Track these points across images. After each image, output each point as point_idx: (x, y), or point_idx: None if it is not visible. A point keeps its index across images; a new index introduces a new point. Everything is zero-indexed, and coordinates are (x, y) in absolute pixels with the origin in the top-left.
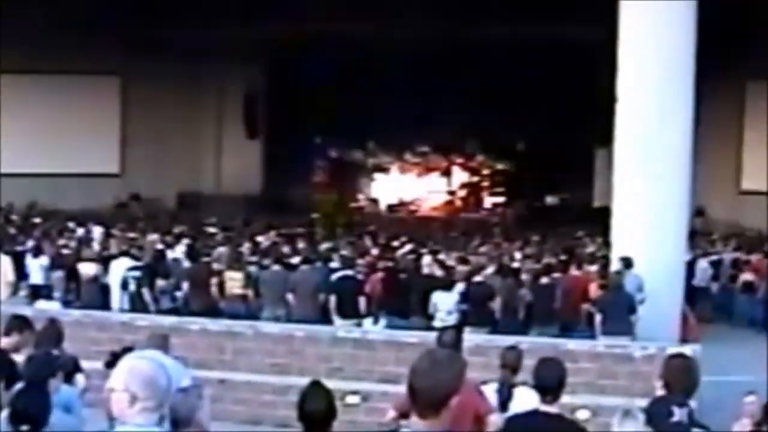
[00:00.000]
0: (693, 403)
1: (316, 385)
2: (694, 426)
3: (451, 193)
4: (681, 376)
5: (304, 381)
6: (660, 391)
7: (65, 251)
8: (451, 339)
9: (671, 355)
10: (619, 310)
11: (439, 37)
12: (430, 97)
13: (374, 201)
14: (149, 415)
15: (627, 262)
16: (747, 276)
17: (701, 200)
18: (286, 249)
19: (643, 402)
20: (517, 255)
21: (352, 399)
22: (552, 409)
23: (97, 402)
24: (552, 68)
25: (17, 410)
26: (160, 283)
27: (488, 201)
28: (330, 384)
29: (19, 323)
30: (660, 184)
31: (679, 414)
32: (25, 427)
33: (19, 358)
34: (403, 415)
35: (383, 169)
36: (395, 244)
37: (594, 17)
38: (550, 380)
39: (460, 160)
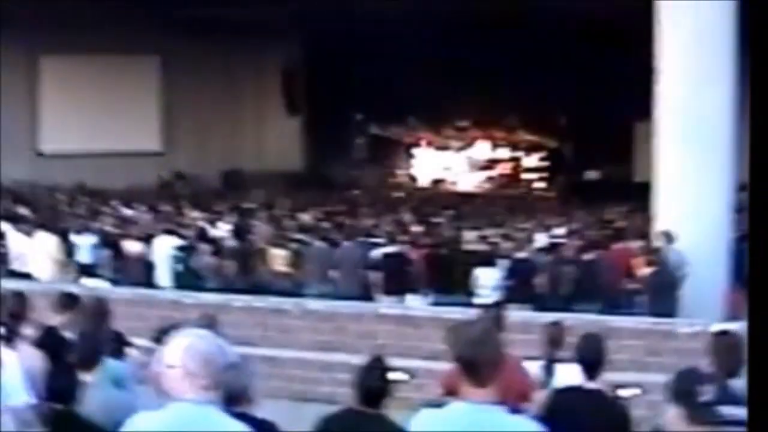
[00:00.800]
0: (740, 381)
1: (376, 360)
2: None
3: (492, 167)
4: (727, 354)
5: (349, 358)
6: (707, 369)
7: (111, 230)
8: (493, 316)
9: (717, 332)
10: (664, 289)
11: (480, 8)
12: (470, 71)
13: (414, 177)
14: (205, 393)
15: (668, 237)
16: None
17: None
18: (328, 225)
19: None
20: (560, 231)
21: (398, 376)
22: (593, 385)
23: (145, 379)
24: (591, 41)
25: (49, 389)
26: (205, 260)
27: (529, 176)
28: None
29: (68, 301)
30: (701, 157)
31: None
32: (57, 406)
33: (68, 335)
34: (450, 392)
35: (423, 145)
36: (437, 220)
37: None
38: (592, 356)
39: (500, 135)
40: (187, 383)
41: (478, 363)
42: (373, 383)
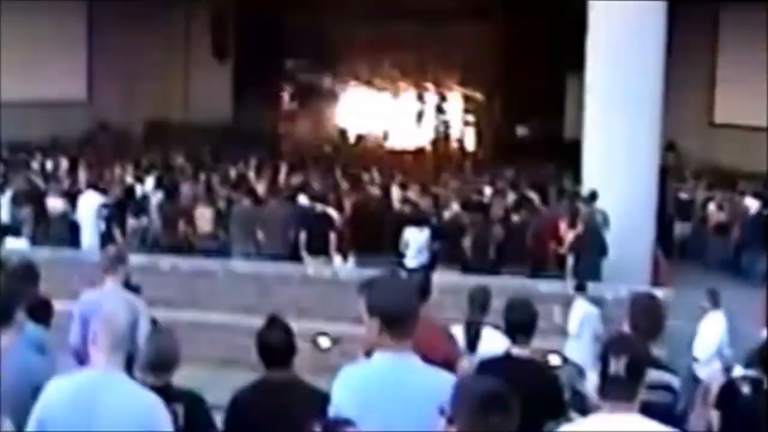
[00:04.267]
0: (660, 348)
1: (273, 320)
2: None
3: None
4: (646, 318)
5: None
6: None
7: (33, 186)
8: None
9: (636, 296)
10: (587, 251)
11: None
12: (401, 20)
13: (343, 132)
14: (111, 358)
15: (592, 195)
16: (719, 217)
17: (672, 134)
18: (255, 182)
19: None
20: (487, 190)
21: (323, 341)
22: (524, 351)
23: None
24: None
25: None
26: (131, 220)
27: (458, 131)
28: (300, 325)
29: None
30: (630, 118)
31: (614, 365)
32: None
33: None
34: (369, 353)
35: (352, 95)
36: (365, 178)
37: None
38: (521, 323)
39: (428, 86)
40: (95, 350)
41: (398, 315)
42: (277, 343)
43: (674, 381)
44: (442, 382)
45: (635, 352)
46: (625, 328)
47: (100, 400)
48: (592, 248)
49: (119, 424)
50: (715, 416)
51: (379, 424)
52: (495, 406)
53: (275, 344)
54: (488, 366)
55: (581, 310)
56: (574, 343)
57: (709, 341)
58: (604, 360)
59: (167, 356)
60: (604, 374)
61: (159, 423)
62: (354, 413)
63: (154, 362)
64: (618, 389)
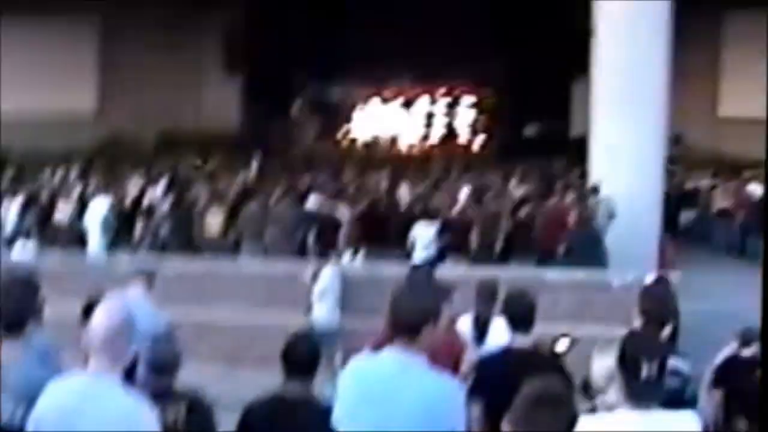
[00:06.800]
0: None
1: (302, 333)
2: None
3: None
4: (658, 305)
5: (282, 321)
6: (638, 321)
7: (42, 194)
8: (422, 277)
9: (648, 284)
10: (588, 243)
11: None
12: (409, 28)
13: (353, 139)
14: (109, 364)
15: (595, 190)
16: (723, 203)
17: (678, 127)
18: (265, 187)
19: (622, 331)
20: (495, 185)
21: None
22: (526, 340)
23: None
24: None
25: None
26: (140, 224)
27: (467, 132)
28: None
29: None
30: (636, 112)
31: (646, 369)
32: None
33: None
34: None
35: (363, 104)
36: (374, 178)
37: None
38: (520, 313)
39: (441, 90)
40: (94, 355)
41: (404, 318)
42: (300, 355)
43: (683, 365)
44: (440, 387)
45: (664, 354)
46: (636, 316)
47: (87, 404)
48: (591, 240)
49: (103, 427)
50: (717, 395)
51: (373, 418)
52: (546, 404)
53: (299, 356)
54: (489, 362)
55: None
56: None
57: None
58: (632, 362)
59: (168, 359)
60: (633, 377)
61: (143, 427)
62: (352, 405)
63: (156, 365)
64: (650, 392)
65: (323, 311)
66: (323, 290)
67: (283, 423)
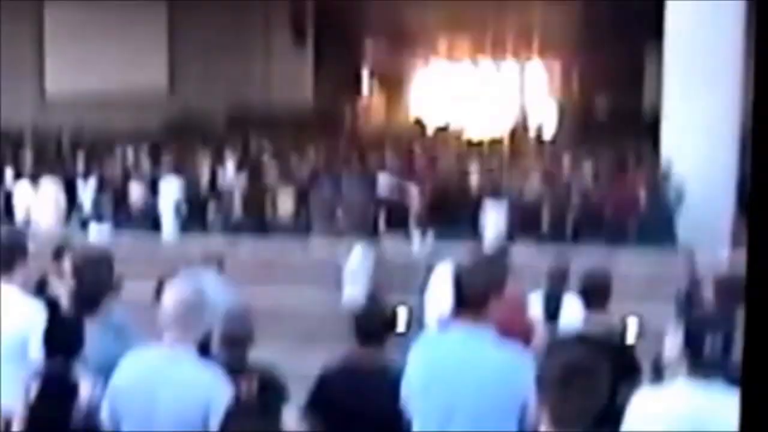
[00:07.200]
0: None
1: (372, 297)
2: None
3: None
4: (730, 285)
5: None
6: (711, 300)
7: (115, 174)
8: (498, 253)
9: (720, 264)
10: (660, 219)
11: None
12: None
13: (420, 122)
14: (192, 336)
15: (667, 166)
16: None
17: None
18: (335, 162)
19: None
20: (565, 163)
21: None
22: (600, 318)
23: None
24: None
25: (50, 340)
26: (212, 203)
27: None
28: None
29: (65, 249)
30: (710, 85)
31: (710, 343)
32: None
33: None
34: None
35: (433, 76)
36: (443, 159)
37: None
38: (595, 290)
39: (508, 61)
40: (170, 328)
41: (470, 292)
42: (372, 321)
43: None
44: (509, 360)
45: (731, 329)
46: (709, 293)
47: (161, 376)
48: (663, 216)
49: (178, 399)
50: None
51: (444, 395)
52: (577, 377)
53: (370, 322)
54: (558, 350)
55: None
56: None
57: None
58: (697, 335)
59: (241, 333)
60: (696, 350)
61: (216, 397)
62: (421, 383)
63: (229, 338)
64: (713, 366)
65: (355, 291)
66: (355, 271)
67: (357, 389)
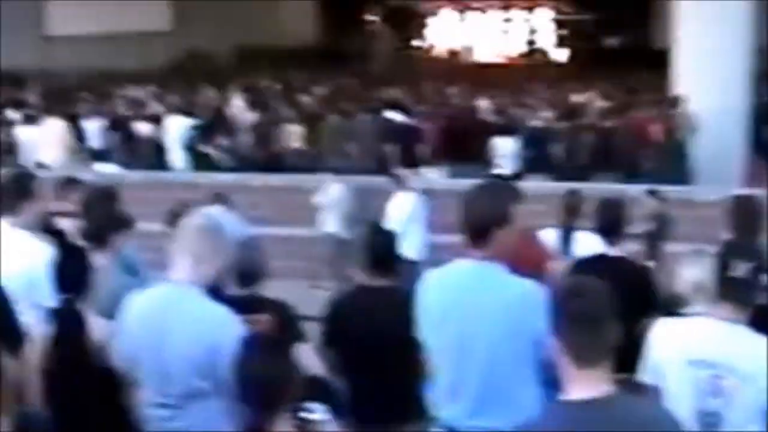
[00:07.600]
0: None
1: (375, 226)
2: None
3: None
4: (750, 219)
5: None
6: (725, 236)
7: (121, 112)
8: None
9: (735, 198)
10: (674, 156)
11: None
12: None
13: (430, 47)
14: (206, 273)
15: (680, 102)
16: None
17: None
18: (343, 99)
19: (707, 248)
20: (578, 98)
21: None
22: (615, 251)
23: (157, 263)
24: None
25: (60, 275)
26: (220, 139)
27: (548, 44)
28: None
29: (72, 185)
30: (722, 23)
31: (738, 270)
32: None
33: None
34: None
35: (440, 13)
36: (453, 90)
37: None
38: (611, 222)
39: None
40: (178, 260)
41: (476, 223)
42: (379, 248)
43: None
44: (519, 291)
45: (759, 259)
46: (724, 230)
47: (170, 311)
48: (676, 153)
49: (188, 336)
50: None
51: (456, 329)
52: (579, 291)
53: (377, 250)
54: (583, 265)
55: None
56: None
57: None
58: (724, 264)
59: (253, 267)
60: (724, 277)
61: (226, 332)
62: (432, 319)
63: (241, 273)
64: (741, 294)
65: (330, 225)
66: (329, 204)
67: (369, 309)
